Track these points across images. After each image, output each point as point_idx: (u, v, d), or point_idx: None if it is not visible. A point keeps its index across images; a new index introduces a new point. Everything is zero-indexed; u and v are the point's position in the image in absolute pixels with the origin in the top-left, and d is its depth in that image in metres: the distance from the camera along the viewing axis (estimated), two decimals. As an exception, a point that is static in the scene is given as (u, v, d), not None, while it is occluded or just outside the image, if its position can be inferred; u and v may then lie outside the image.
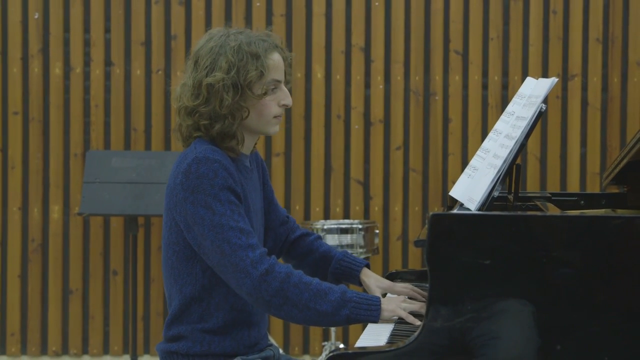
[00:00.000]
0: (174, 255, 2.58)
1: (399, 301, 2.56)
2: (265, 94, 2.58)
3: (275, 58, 2.60)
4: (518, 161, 2.65)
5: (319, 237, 2.95)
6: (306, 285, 2.47)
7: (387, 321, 2.55)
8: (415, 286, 2.96)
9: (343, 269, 2.85)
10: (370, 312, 2.48)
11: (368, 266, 2.87)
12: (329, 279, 2.86)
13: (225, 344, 2.59)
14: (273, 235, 2.87)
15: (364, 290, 2.81)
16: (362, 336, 2.53)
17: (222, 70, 2.54)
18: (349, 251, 4.81)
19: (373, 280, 2.83)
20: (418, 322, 2.48)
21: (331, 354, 2.33)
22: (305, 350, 5.50)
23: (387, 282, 2.84)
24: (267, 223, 2.85)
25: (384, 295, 2.85)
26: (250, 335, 2.64)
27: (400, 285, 2.83)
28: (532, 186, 5.49)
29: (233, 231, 2.46)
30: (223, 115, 2.55)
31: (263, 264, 2.46)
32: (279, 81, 2.61)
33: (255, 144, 2.72)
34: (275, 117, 2.62)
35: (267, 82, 2.57)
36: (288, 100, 2.62)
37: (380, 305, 2.49)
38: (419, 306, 2.55)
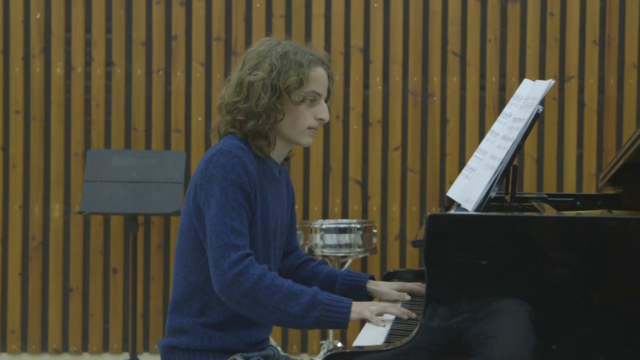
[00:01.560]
0: (185, 242, 2.62)
1: (368, 304, 2.56)
2: (302, 101, 2.61)
3: (319, 72, 2.63)
4: (515, 162, 2.65)
5: (323, 262, 2.95)
6: (277, 287, 2.48)
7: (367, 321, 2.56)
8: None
9: (349, 284, 2.84)
10: (340, 315, 2.47)
11: (373, 278, 2.87)
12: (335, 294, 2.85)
13: (225, 340, 2.60)
14: (281, 265, 2.89)
15: (379, 300, 2.82)
16: (359, 335, 2.53)
17: (264, 71, 2.59)
18: (347, 251, 4.84)
19: (383, 285, 2.84)
20: (382, 324, 2.50)
21: (329, 353, 2.33)
22: (304, 349, 5.50)
23: (396, 284, 2.85)
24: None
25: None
26: (251, 334, 2.64)
27: (410, 284, 2.83)
28: (528, 187, 5.50)
29: (225, 227, 2.49)
30: (258, 113, 2.59)
31: (239, 265, 2.47)
32: (319, 94, 2.64)
33: (288, 158, 2.75)
34: (309, 128, 2.64)
35: (306, 92, 2.61)
36: (325, 115, 2.65)
37: (350, 308, 2.49)
38: (383, 307, 2.55)
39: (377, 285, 2.84)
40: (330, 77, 2.67)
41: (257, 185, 2.57)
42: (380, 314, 2.54)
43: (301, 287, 2.50)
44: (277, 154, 2.69)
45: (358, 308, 2.51)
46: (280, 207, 2.73)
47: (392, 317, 2.58)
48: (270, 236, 2.64)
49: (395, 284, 2.85)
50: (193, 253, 2.60)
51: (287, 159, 2.77)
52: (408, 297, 2.77)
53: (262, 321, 2.54)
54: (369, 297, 2.86)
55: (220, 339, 2.60)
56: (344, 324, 2.50)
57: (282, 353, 2.86)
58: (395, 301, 2.78)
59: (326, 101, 2.68)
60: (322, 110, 2.64)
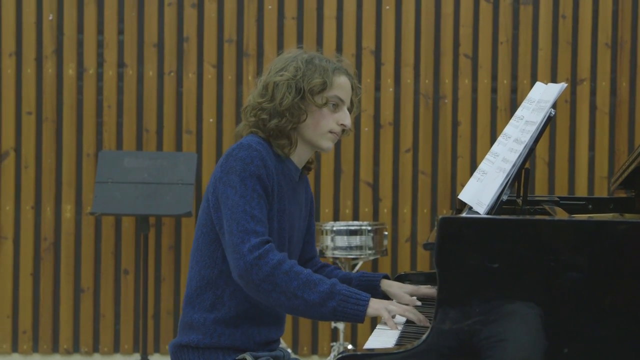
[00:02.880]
0: (202, 236, 2.65)
1: (387, 303, 2.56)
2: (325, 104, 2.66)
3: (343, 79, 2.70)
4: (527, 165, 2.65)
5: (337, 268, 2.98)
6: (296, 274, 2.50)
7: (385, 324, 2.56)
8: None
9: (364, 285, 2.85)
10: (357, 307, 2.48)
11: (387, 277, 2.89)
12: None
13: (235, 338, 2.62)
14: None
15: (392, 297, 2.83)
16: (370, 337, 2.53)
17: (290, 72, 2.67)
18: (358, 253, 4.84)
19: (396, 287, 2.84)
20: (395, 327, 2.51)
21: (340, 356, 2.33)
22: (314, 350, 5.50)
23: (409, 287, 2.85)
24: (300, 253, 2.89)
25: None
26: (261, 333, 2.65)
27: (425, 287, 2.83)
28: (540, 190, 5.49)
29: (245, 214, 2.52)
30: (281, 112, 2.65)
31: (259, 249, 2.50)
32: (342, 100, 2.70)
33: (309, 168, 2.80)
34: (331, 132, 2.69)
35: (329, 96, 2.67)
36: (347, 122, 2.70)
37: (368, 302, 2.50)
38: (402, 310, 2.55)
39: (390, 287, 2.85)
40: (354, 89, 2.73)
41: (274, 181, 2.61)
42: (395, 316, 2.55)
43: (320, 277, 2.52)
44: (298, 157, 2.74)
45: (376, 305, 2.52)
46: (297, 212, 2.75)
47: (404, 319, 2.58)
48: (285, 237, 2.66)
49: (409, 287, 2.85)
50: (208, 247, 2.64)
51: (308, 168, 2.81)
52: (419, 303, 2.77)
53: (279, 308, 2.54)
54: (384, 295, 2.86)
55: (230, 336, 2.61)
56: (360, 317, 2.50)
57: (292, 355, 2.87)
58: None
59: (349, 111, 2.73)
60: (344, 117, 2.70)
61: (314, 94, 2.65)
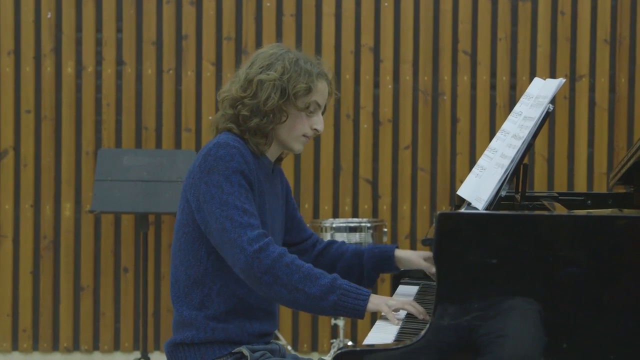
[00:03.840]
0: (183, 236, 2.65)
1: (386, 298, 2.58)
2: (305, 109, 2.68)
3: (323, 85, 2.72)
4: (525, 161, 2.65)
5: (344, 242, 2.99)
6: (298, 267, 2.51)
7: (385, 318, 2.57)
8: (424, 285, 2.96)
9: (377, 256, 2.89)
10: (358, 302, 2.49)
11: (397, 247, 2.92)
12: (365, 271, 2.90)
13: (228, 331, 2.63)
14: (295, 248, 2.93)
15: (406, 267, 2.90)
16: (370, 334, 2.53)
17: (277, 72, 2.66)
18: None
19: (412, 254, 2.90)
20: (396, 322, 2.53)
21: (339, 351, 2.33)
22: (314, 347, 5.50)
23: (422, 253, 2.89)
24: (292, 238, 2.93)
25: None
26: (253, 326, 2.66)
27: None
28: (539, 186, 5.49)
29: (237, 210, 2.53)
30: (264, 112, 2.66)
31: (258, 242, 2.51)
32: (319, 106, 2.72)
33: (281, 158, 2.82)
34: (304, 135, 2.72)
35: (310, 101, 2.69)
36: (320, 127, 2.73)
37: (368, 297, 2.51)
38: (402, 303, 2.57)
39: (405, 253, 2.89)
40: (330, 93, 2.76)
41: (255, 176, 2.62)
42: (397, 310, 2.56)
43: (321, 271, 2.53)
44: (270, 154, 2.76)
45: (376, 300, 2.53)
46: (276, 204, 2.78)
47: (404, 313, 2.59)
48: (268, 229, 2.67)
49: (422, 253, 2.88)
50: (192, 246, 2.64)
51: (280, 159, 2.83)
52: (433, 270, 2.77)
53: (280, 301, 2.55)
54: (396, 267, 2.90)
55: (223, 330, 2.63)
56: (360, 312, 2.51)
57: (292, 352, 2.87)
58: (409, 297, 2.81)
59: (322, 114, 2.76)
60: (319, 122, 2.73)
61: (297, 98, 2.67)
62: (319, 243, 2.97)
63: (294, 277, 2.49)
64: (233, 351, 2.62)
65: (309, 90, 2.67)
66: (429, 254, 2.85)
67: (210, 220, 2.56)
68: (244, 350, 2.62)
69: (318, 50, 5.49)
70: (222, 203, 2.53)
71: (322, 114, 2.76)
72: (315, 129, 2.72)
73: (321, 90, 2.71)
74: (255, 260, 2.49)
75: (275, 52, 2.71)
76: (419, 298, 2.84)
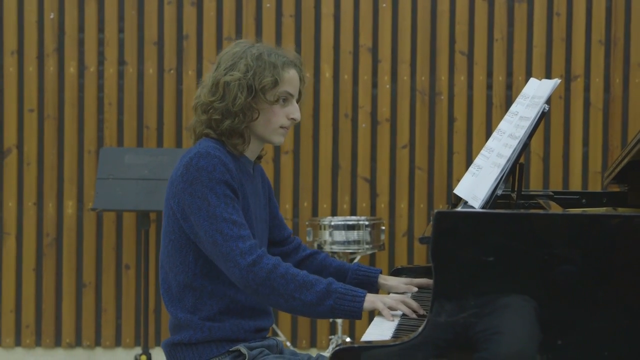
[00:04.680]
0: (170, 243, 2.64)
1: (382, 296, 2.58)
2: (276, 101, 2.65)
3: (292, 73, 2.68)
4: (521, 160, 2.65)
5: (328, 255, 2.98)
6: (293, 276, 2.51)
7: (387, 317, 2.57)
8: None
9: (360, 279, 2.87)
10: (354, 304, 2.50)
11: (381, 272, 2.90)
12: None
13: (225, 329, 2.62)
14: (278, 251, 2.91)
15: (387, 294, 2.85)
16: (368, 330, 2.53)
17: (240, 71, 2.63)
18: (356, 247, 4.84)
19: (392, 279, 2.88)
20: (392, 318, 2.53)
21: (337, 348, 2.33)
22: (313, 343, 5.50)
23: (404, 279, 2.88)
24: (272, 237, 2.90)
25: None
26: (249, 323, 2.66)
27: (418, 279, 2.86)
28: (535, 185, 5.49)
29: (226, 222, 2.51)
30: (234, 112, 2.62)
31: (252, 254, 2.50)
32: (291, 95, 2.69)
33: (260, 156, 2.79)
34: (281, 127, 2.69)
35: (279, 92, 2.65)
36: (297, 115, 2.69)
37: (364, 297, 2.52)
38: (396, 301, 2.57)
39: (386, 280, 2.87)
40: (301, 79, 2.72)
41: (237, 181, 2.60)
42: (392, 308, 2.55)
43: (316, 277, 2.53)
44: (251, 152, 2.73)
45: (371, 298, 2.53)
46: (257, 204, 2.76)
47: (401, 312, 2.59)
48: (254, 232, 2.66)
49: (404, 279, 2.87)
50: (179, 253, 2.62)
51: (259, 157, 2.80)
52: (415, 289, 2.80)
53: (279, 309, 2.56)
54: (377, 290, 2.88)
55: (220, 328, 2.62)
56: (357, 314, 2.51)
57: (291, 348, 2.87)
58: (404, 293, 2.80)
59: (298, 102, 2.73)
60: (294, 110, 2.69)
61: (265, 92, 2.63)
62: (302, 249, 2.95)
63: (290, 287, 2.49)
64: (231, 349, 2.62)
65: (275, 83, 2.63)
66: (412, 280, 2.86)
67: (199, 232, 2.54)
68: (242, 348, 2.61)
69: (317, 50, 5.49)
70: (210, 216, 2.51)
71: (298, 101, 2.72)
72: (292, 118, 2.68)
73: (289, 79, 2.66)
74: (250, 274, 2.49)
75: (238, 50, 2.68)
76: (416, 294, 2.83)
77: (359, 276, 2.87)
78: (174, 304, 2.64)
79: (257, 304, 2.68)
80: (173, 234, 2.62)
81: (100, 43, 5.51)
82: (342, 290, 2.50)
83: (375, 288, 2.87)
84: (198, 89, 2.74)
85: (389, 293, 2.87)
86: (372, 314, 2.65)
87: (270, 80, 2.62)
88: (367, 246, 4.86)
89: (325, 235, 4.82)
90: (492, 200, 2.56)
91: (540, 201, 3.02)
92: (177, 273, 2.63)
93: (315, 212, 5.50)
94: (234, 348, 2.62)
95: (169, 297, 2.65)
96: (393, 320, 2.53)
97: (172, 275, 2.64)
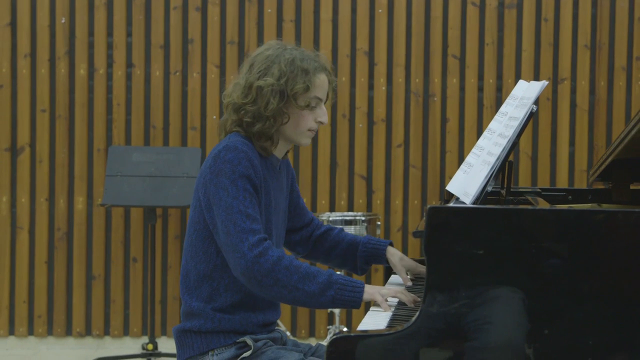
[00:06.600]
0: (195, 233, 2.63)
1: (379, 288, 2.59)
2: (307, 106, 2.62)
3: (322, 78, 2.65)
4: (510, 158, 2.65)
5: (342, 230, 2.98)
6: (296, 268, 2.50)
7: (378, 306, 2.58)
8: (416, 276, 2.96)
9: (370, 251, 2.89)
10: (354, 294, 2.50)
11: (392, 244, 2.91)
12: (358, 263, 2.91)
13: (234, 322, 2.62)
14: (299, 236, 2.92)
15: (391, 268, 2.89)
16: (363, 320, 2.53)
17: (274, 77, 2.60)
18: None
19: (397, 259, 2.88)
20: (389, 309, 2.53)
21: (335, 337, 2.33)
22: (312, 333, 5.51)
23: (411, 262, 2.89)
24: (294, 224, 2.91)
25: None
26: (257, 317, 2.65)
27: (423, 266, 2.84)
28: (523, 182, 5.49)
29: (240, 214, 2.50)
30: (266, 116, 2.60)
31: (258, 247, 2.49)
32: (320, 99, 2.66)
33: (288, 151, 2.77)
34: (309, 130, 2.66)
35: (310, 97, 2.63)
36: (324, 118, 2.67)
37: (363, 288, 2.52)
38: (394, 292, 2.57)
39: (393, 256, 2.89)
40: (330, 83, 2.70)
41: (261, 178, 2.60)
42: (392, 297, 2.57)
43: (317, 269, 2.53)
44: (278, 151, 2.71)
45: (370, 290, 2.54)
46: (281, 199, 2.76)
47: (397, 301, 2.60)
48: (272, 228, 2.66)
49: (409, 261, 2.87)
50: (202, 243, 2.61)
51: (287, 152, 2.79)
52: (410, 283, 2.81)
53: (280, 300, 2.55)
54: (387, 262, 2.90)
55: (229, 320, 2.61)
56: (357, 303, 2.51)
57: (290, 338, 2.88)
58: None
59: (325, 103, 2.71)
60: (322, 114, 2.67)
61: (297, 98, 2.61)
62: (317, 229, 2.95)
63: (294, 278, 2.49)
64: (237, 341, 2.62)
65: (307, 89, 2.61)
66: (412, 265, 2.87)
67: (217, 222, 2.54)
68: (248, 340, 2.61)
69: (316, 54, 5.48)
70: (227, 207, 2.51)
71: (325, 103, 2.70)
72: (320, 122, 2.67)
73: (320, 84, 2.64)
74: (255, 265, 2.47)
75: (272, 53, 2.65)
76: (411, 286, 2.84)
77: (368, 248, 2.89)
78: (190, 292, 2.63)
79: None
80: (198, 224, 2.61)
81: (109, 46, 5.51)
82: (342, 282, 2.50)
83: (384, 259, 2.88)
84: (229, 86, 2.70)
85: (393, 275, 2.88)
86: (369, 304, 2.65)
87: (302, 86, 2.60)
88: (364, 240, 4.85)
89: (324, 230, 4.82)
90: (483, 196, 2.56)
91: (529, 197, 3.03)
92: (198, 262, 2.62)
93: (314, 208, 5.50)
94: (240, 340, 2.61)
95: (185, 285, 2.65)
96: (391, 311, 2.54)
97: (193, 264, 2.63)
